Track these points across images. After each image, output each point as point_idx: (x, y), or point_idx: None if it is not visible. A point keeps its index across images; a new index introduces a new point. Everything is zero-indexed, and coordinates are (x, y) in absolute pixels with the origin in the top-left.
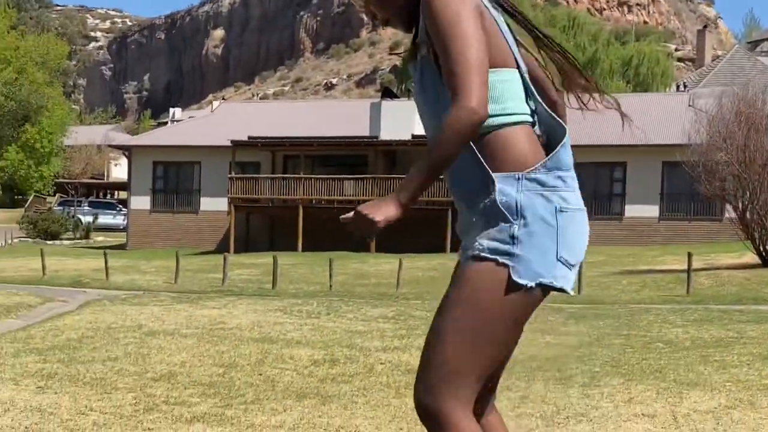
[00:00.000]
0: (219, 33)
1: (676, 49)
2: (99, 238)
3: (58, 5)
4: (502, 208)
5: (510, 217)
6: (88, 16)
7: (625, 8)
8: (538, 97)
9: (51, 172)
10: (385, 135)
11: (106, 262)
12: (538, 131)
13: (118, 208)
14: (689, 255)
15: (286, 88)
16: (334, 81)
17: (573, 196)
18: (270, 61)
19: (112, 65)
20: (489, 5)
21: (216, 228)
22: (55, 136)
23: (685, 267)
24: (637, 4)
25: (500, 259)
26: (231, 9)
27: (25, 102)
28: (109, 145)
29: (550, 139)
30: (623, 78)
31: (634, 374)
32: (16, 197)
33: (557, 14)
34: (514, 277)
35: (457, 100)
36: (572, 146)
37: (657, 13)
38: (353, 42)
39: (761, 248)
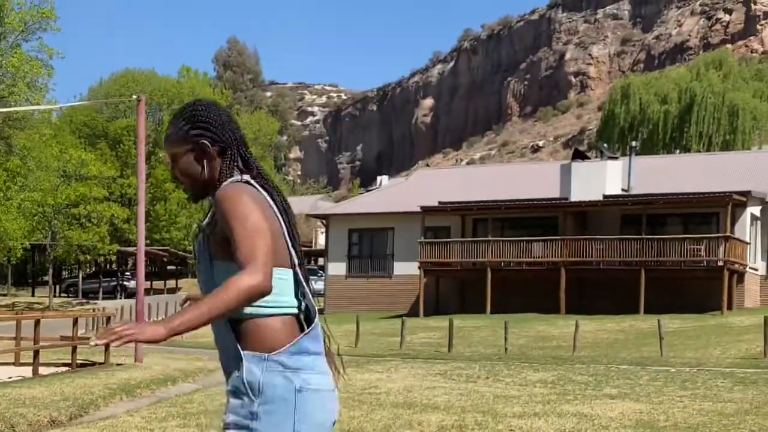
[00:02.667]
0: (428, 102)
1: None
2: None
3: (278, 83)
4: (247, 385)
5: (252, 395)
6: (306, 92)
7: None
8: (306, 289)
9: None
10: (576, 196)
11: None
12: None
13: (318, 274)
14: None
15: (493, 152)
16: (541, 143)
17: (316, 378)
18: (477, 126)
19: (327, 137)
20: (266, 194)
21: (409, 291)
22: None
23: None
24: None
25: None
26: (440, 78)
27: None
28: (309, 215)
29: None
30: None
31: None
32: None
33: (764, 68)
34: None
35: (249, 272)
36: None
37: None
38: (561, 104)
39: None
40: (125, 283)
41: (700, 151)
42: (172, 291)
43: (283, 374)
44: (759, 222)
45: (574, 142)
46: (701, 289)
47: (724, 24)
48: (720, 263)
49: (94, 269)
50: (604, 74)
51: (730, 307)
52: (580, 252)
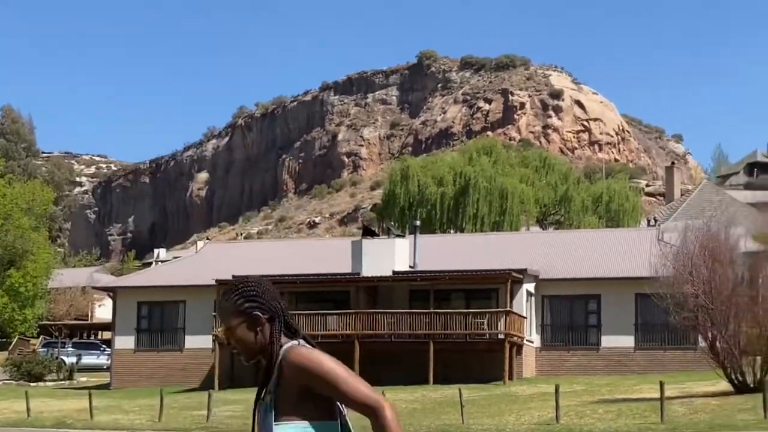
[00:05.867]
0: (203, 176)
1: (647, 185)
2: (83, 379)
3: (45, 152)
4: None
5: None
6: (73, 162)
7: (596, 147)
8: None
9: (34, 315)
10: (367, 271)
11: (90, 402)
12: None
13: (101, 348)
14: (661, 384)
15: (270, 227)
16: (317, 220)
17: None
18: (254, 201)
19: (96, 209)
20: None
21: (200, 365)
22: (39, 280)
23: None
24: (608, 143)
25: None
26: (215, 153)
27: (11, 247)
28: (95, 287)
29: None
30: (595, 214)
31: None
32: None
33: (529, 155)
34: None
35: (381, 408)
36: (549, 280)
37: (627, 150)
38: (335, 182)
39: (733, 376)
40: None
41: (473, 231)
42: None
43: None
44: (533, 298)
45: (349, 220)
46: (484, 361)
47: (484, 112)
48: (501, 336)
49: None
50: (375, 155)
51: (511, 377)
52: (372, 325)
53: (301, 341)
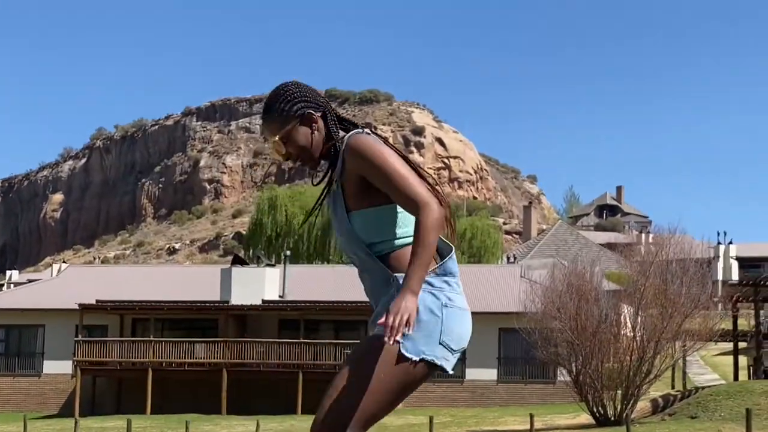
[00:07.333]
0: (58, 197)
1: (504, 223)
2: None
3: None
4: None
5: None
6: None
7: (456, 184)
8: None
9: None
10: (236, 300)
11: None
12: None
13: None
14: (531, 416)
15: (128, 252)
16: (177, 246)
17: (458, 297)
18: (110, 225)
19: None
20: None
21: (60, 391)
22: None
23: (526, 427)
24: (467, 181)
25: None
26: (71, 174)
27: None
28: None
29: (440, 254)
30: (458, 249)
31: None
32: None
33: None
34: (403, 351)
35: (423, 208)
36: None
37: (485, 189)
38: (196, 209)
39: (594, 409)
40: None
41: (340, 263)
42: None
43: (431, 292)
44: None
45: (210, 247)
46: None
47: None
48: None
49: None
50: (237, 183)
51: None
52: (241, 354)
53: (366, 130)
